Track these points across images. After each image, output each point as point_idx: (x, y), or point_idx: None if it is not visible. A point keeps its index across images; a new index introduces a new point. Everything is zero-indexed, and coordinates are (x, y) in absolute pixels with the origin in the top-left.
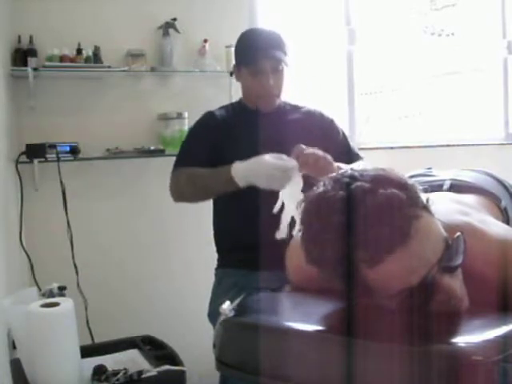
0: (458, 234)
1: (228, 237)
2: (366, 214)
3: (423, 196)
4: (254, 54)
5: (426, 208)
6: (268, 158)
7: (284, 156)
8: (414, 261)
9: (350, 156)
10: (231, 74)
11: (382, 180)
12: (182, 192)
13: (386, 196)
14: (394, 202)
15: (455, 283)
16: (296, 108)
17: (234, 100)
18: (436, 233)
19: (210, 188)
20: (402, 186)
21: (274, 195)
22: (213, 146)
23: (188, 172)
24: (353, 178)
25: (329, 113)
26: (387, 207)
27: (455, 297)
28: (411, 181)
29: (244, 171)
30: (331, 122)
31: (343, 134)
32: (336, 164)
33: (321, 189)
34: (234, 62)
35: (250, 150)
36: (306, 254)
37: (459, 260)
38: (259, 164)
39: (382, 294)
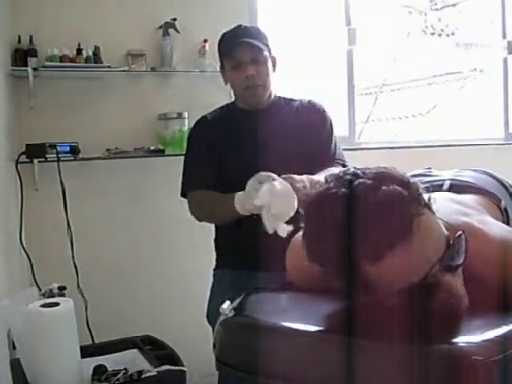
0: (460, 233)
1: (226, 237)
2: (368, 211)
3: (425, 194)
4: (231, 44)
5: (427, 206)
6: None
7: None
8: (415, 258)
9: (328, 156)
10: (226, 83)
11: (384, 177)
12: (200, 217)
13: (388, 193)
14: (396, 198)
15: (456, 282)
16: (289, 102)
17: (233, 99)
18: (437, 231)
19: (218, 214)
20: (404, 183)
21: None
22: (213, 154)
23: (198, 199)
24: (355, 175)
25: (320, 102)
26: (389, 204)
27: (456, 296)
28: (413, 179)
29: (243, 203)
30: (322, 111)
31: (331, 125)
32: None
33: (323, 186)
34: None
35: (245, 150)
36: (307, 251)
37: (460, 259)
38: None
39: (383, 292)
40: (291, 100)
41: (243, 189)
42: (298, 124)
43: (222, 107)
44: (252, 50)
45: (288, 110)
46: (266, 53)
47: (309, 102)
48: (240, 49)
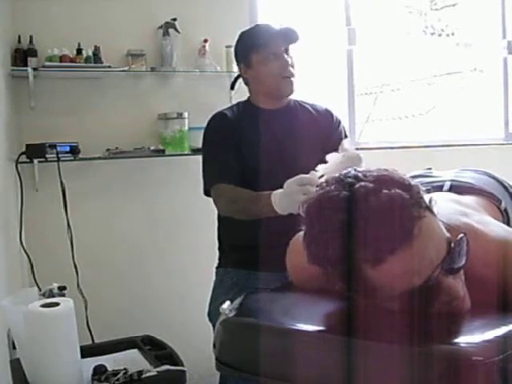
0: (462, 235)
1: (230, 236)
2: (369, 214)
3: (426, 197)
4: (268, 36)
5: (428, 209)
6: (293, 185)
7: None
8: (417, 261)
9: None
10: (234, 82)
11: (385, 180)
12: (226, 212)
13: (390, 196)
14: (397, 201)
15: (458, 284)
16: (304, 105)
17: (233, 100)
18: (439, 233)
19: (251, 212)
20: (405, 186)
21: None
22: (237, 149)
23: (228, 194)
24: (356, 178)
25: (337, 113)
26: (390, 207)
27: (458, 298)
28: (414, 181)
29: (281, 202)
30: (339, 123)
31: (345, 137)
32: None
33: (324, 189)
34: (238, 62)
35: (265, 150)
36: (308, 253)
37: (462, 262)
38: (290, 195)
39: (384, 295)
40: (305, 103)
41: (264, 188)
42: (315, 130)
43: (236, 105)
44: (288, 40)
45: (305, 113)
46: (293, 47)
47: (326, 110)
48: (277, 39)
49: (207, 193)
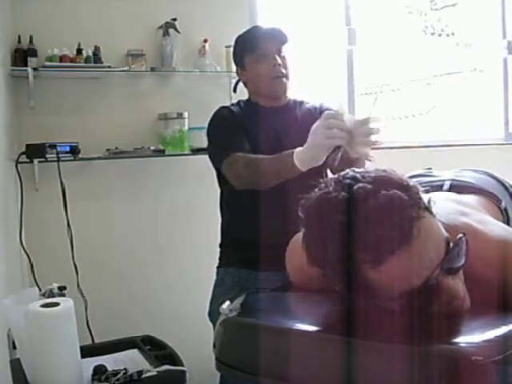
0: (461, 235)
1: (231, 236)
2: (368, 215)
3: (424, 197)
4: (258, 38)
5: (427, 209)
6: (320, 135)
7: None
8: (416, 262)
9: None
10: (235, 87)
11: (383, 181)
12: (242, 179)
13: (388, 197)
14: (396, 202)
15: (457, 284)
16: (302, 104)
17: (234, 100)
18: (438, 234)
19: (269, 174)
20: (404, 186)
21: (280, 196)
22: (243, 135)
23: (243, 159)
24: (354, 179)
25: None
26: (389, 208)
27: (457, 298)
28: (412, 182)
29: (306, 158)
30: None
31: None
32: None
33: (322, 190)
34: (236, 65)
35: (265, 146)
36: (307, 255)
37: (461, 261)
38: (316, 147)
39: (384, 296)
40: (305, 102)
41: (253, 190)
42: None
43: (237, 103)
44: (278, 42)
45: (304, 112)
46: (286, 48)
47: (327, 109)
48: (267, 40)
49: (219, 175)
